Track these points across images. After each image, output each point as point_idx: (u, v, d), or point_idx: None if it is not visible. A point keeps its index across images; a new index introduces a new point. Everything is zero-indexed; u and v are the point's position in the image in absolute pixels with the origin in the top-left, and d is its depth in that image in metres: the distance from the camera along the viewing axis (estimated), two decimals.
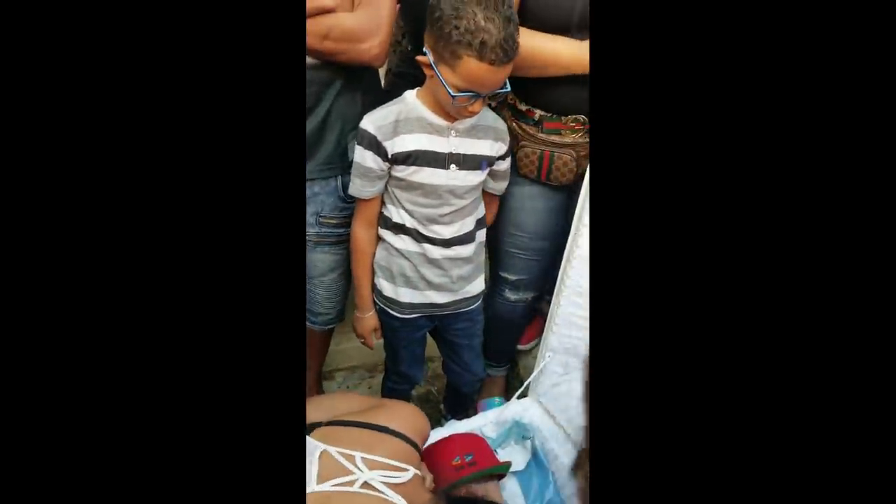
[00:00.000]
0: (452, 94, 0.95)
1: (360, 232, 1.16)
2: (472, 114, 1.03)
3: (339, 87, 1.13)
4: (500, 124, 1.15)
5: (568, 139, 1.19)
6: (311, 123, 1.13)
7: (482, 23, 0.87)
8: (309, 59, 1.05)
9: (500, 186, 1.23)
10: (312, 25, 1.00)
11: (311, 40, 1.01)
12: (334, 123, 1.15)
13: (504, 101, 1.24)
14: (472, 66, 0.91)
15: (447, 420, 1.53)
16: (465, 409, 1.52)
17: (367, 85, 1.19)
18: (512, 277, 1.43)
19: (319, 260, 1.28)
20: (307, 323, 1.40)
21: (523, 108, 1.21)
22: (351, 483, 0.79)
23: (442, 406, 1.66)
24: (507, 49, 0.91)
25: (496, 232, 1.40)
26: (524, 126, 1.21)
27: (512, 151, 1.23)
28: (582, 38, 1.08)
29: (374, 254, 1.20)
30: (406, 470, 0.85)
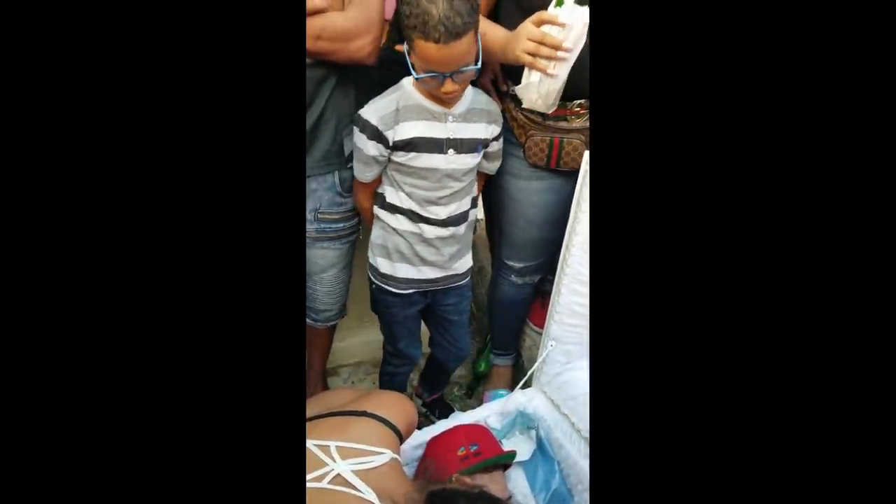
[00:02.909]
0: (416, 76, 1.01)
1: (365, 202, 1.23)
2: (450, 95, 1.04)
3: (333, 84, 1.13)
4: (493, 107, 1.18)
5: (575, 124, 1.19)
6: (308, 121, 1.13)
7: (424, 5, 0.93)
8: None
9: (492, 166, 1.28)
10: (306, 26, 1.00)
11: (306, 41, 1.01)
12: (329, 120, 1.16)
13: (507, 93, 1.24)
14: (422, 46, 0.96)
15: (418, 399, 1.62)
16: (440, 387, 1.64)
17: (361, 81, 1.19)
18: (518, 265, 1.44)
19: (319, 256, 1.28)
20: (309, 321, 1.41)
21: None
22: (321, 477, 0.79)
23: (415, 383, 1.69)
24: (449, 27, 0.93)
25: (502, 224, 1.40)
26: (529, 115, 1.20)
27: (520, 142, 1.24)
28: None
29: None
30: (380, 453, 0.86)
